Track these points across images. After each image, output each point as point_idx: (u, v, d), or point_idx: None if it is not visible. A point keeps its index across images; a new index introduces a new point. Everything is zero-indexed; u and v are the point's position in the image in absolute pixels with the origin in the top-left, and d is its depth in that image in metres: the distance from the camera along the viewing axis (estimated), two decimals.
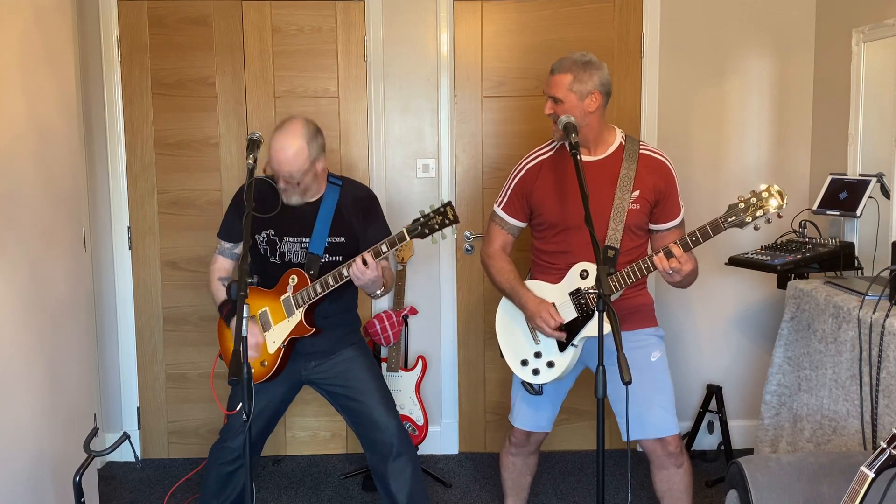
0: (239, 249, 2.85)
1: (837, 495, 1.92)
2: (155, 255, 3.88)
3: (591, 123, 2.58)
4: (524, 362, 2.66)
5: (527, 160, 2.71)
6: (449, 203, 2.56)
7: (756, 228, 2.33)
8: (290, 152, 2.58)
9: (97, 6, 3.71)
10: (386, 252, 2.59)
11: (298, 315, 2.68)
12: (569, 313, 2.56)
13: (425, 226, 2.56)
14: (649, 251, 2.72)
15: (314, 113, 3.78)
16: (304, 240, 2.73)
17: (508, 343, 2.71)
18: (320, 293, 2.65)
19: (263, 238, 2.74)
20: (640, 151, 2.63)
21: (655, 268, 2.42)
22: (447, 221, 2.55)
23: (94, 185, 3.81)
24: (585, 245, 2.50)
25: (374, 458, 2.80)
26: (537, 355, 2.63)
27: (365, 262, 2.55)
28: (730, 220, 2.33)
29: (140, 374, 3.94)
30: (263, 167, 2.67)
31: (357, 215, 2.78)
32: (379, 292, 2.71)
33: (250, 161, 2.47)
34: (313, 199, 2.75)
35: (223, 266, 2.85)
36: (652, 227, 2.68)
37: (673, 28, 3.77)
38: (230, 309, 2.71)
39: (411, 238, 2.57)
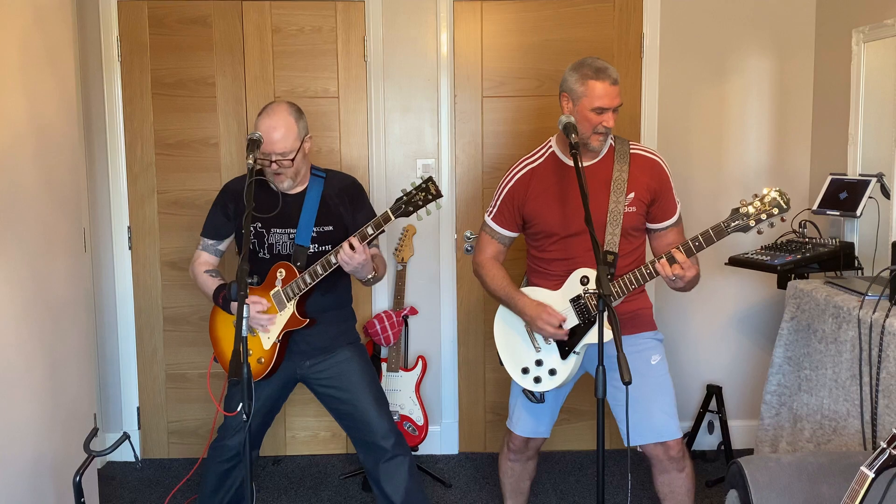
0: (222, 246, 2.87)
1: (837, 495, 1.92)
2: (155, 255, 3.88)
3: None
4: (525, 370, 2.63)
5: (516, 169, 2.68)
6: (430, 178, 2.55)
7: (759, 232, 2.32)
8: (280, 131, 2.60)
9: (97, 6, 3.72)
10: (372, 234, 2.58)
11: (290, 308, 2.68)
12: (570, 320, 2.55)
13: (409, 203, 2.56)
14: (647, 251, 2.72)
15: (314, 113, 3.79)
16: (290, 231, 2.73)
17: (508, 351, 2.69)
18: (310, 283, 2.64)
19: (251, 231, 2.73)
20: (632, 152, 2.61)
21: (658, 274, 2.41)
22: (430, 197, 2.55)
23: (94, 185, 3.81)
24: (586, 251, 2.48)
25: (367, 459, 2.80)
26: (538, 363, 2.61)
27: (352, 247, 2.55)
28: (733, 224, 2.31)
29: (140, 374, 3.94)
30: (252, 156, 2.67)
31: (344, 204, 2.78)
32: (370, 277, 2.71)
33: (250, 161, 2.47)
34: (298, 191, 2.76)
35: (207, 260, 2.85)
36: (650, 226, 2.66)
37: (673, 28, 3.77)
38: (225, 294, 2.72)
39: (396, 217, 2.56)
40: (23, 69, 2.49)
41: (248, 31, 3.77)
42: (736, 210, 2.32)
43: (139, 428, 3.97)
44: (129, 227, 3.86)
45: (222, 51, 3.77)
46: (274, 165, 2.64)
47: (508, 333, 2.69)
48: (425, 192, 2.55)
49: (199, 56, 3.77)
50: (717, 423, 3.81)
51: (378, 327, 3.65)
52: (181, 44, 3.77)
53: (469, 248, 3.90)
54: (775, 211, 2.28)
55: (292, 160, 2.64)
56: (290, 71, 3.80)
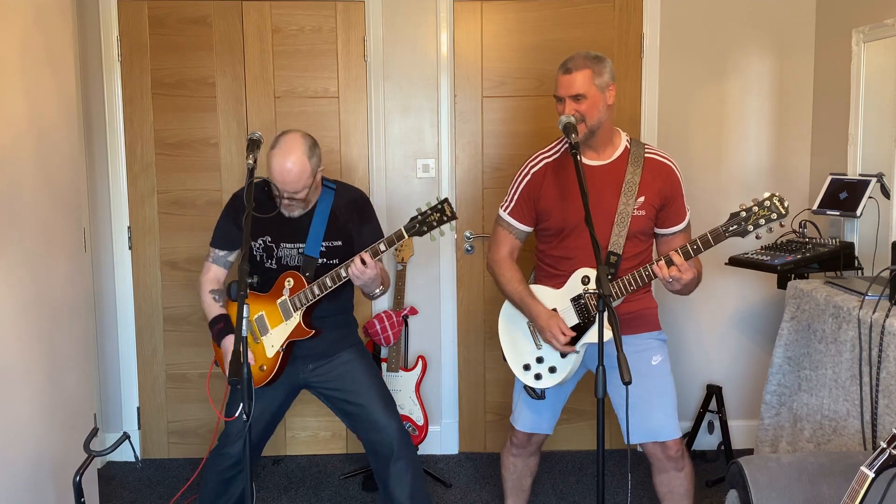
0: (233, 257, 2.84)
1: (837, 495, 1.92)
2: (155, 255, 3.88)
3: (607, 120, 2.56)
4: (526, 367, 2.65)
5: (531, 164, 2.68)
6: (446, 200, 2.57)
7: (758, 237, 2.32)
8: (294, 172, 2.56)
9: (97, 6, 3.72)
10: (384, 251, 2.59)
11: (297, 318, 2.68)
12: (570, 319, 2.55)
13: (423, 223, 2.57)
14: (654, 256, 2.71)
15: (314, 113, 3.79)
16: (300, 245, 2.73)
17: (511, 347, 2.70)
18: (318, 295, 2.65)
19: (260, 245, 2.73)
20: (646, 155, 2.61)
21: (656, 275, 2.41)
22: (445, 218, 2.56)
23: (94, 185, 3.81)
24: (587, 250, 2.48)
25: (375, 460, 2.80)
26: (539, 360, 2.62)
27: (364, 262, 2.55)
28: (731, 228, 2.31)
29: (140, 374, 3.94)
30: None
31: (353, 218, 2.78)
32: (377, 291, 2.71)
33: (250, 161, 2.46)
34: (309, 205, 2.75)
35: (215, 276, 2.82)
36: (657, 231, 2.67)
37: (673, 28, 3.77)
38: (222, 327, 2.71)
39: (410, 236, 2.57)
40: (23, 69, 2.49)
41: (248, 31, 3.77)
42: (735, 214, 2.32)
43: (139, 428, 3.97)
44: (129, 227, 3.86)
45: (222, 51, 3.77)
46: (285, 200, 2.64)
47: (512, 330, 2.70)
48: (440, 214, 2.55)
49: (199, 56, 3.77)
50: (717, 423, 3.80)
51: (378, 327, 3.65)
52: (181, 44, 3.77)
53: (469, 248, 3.90)
54: (774, 216, 2.28)
55: (304, 198, 2.64)
56: (290, 71, 3.80)
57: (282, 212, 2.70)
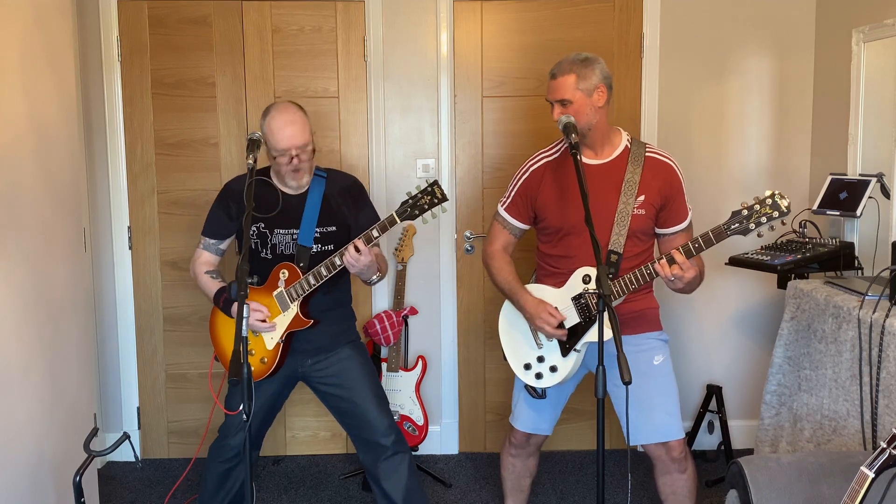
0: (223, 245, 2.87)
1: (837, 495, 1.92)
2: (155, 255, 3.88)
3: (600, 121, 2.56)
4: (527, 366, 2.65)
5: (531, 162, 2.69)
6: (435, 182, 2.57)
7: (759, 235, 2.32)
8: (298, 124, 2.62)
9: (97, 6, 3.71)
10: (377, 237, 2.59)
11: (294, 309, 2.69)
12: (571, 318, 2.55)
13: (414, 207, 2.57)
14: (656, 255, 2.71)
15: (314, 113, 3.77)
16: (294, 231, 2.73)
17: (511, 346, 2.70)
18: (314, 284, 2.65)
19: (254, 231, 2.74)
20: (647, 154, 2.61)
21: (658, 274, 2.41)
22: (436, 200, 2.56)
23: (94, 185, 3.81)
24: (587, 249, 2.48)
25: (367, 457, 2.81)
26: (540, 359, 2.62)
27: (357, 249, 2.55)
28: (733, 227, 2.31)
29: (140, 374, 3.94)
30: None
31: (347, 204, 2.79)
32: (374, 278, 2.72)
33: (250, 161, 2.47)
34: (301, 191, 2.76)
35: (208, 260, 2.84)
36: (659, 231, 2.67)
37: (673, 28, 3.77)
38: (226, 297, 2.72)
39: (402, 220, 2.57)
40: (23, 69, 2.49)
41: (248, 31, 3.77)
42: (736, 213, 2.32)
43: (139, 428, 3.97)
44: (129, 227, 3.86)
45: (222, 51, 3.77)
46: (294, 161, 2.64)
47: (512, 329, 2.70)
48: (431, 196, 2.55)
49: (199, 56, 3.77)
50: (717, 423, 3.81)
51: (378, 327, 3.65)
52: (181, 44, 3.77)
53: (469, 248, 3.90)
54: (775, 214, 2.28)
55: (312, 150, 2.67)
56: (290, 71, 3.80)
57: (288, 187, 2.71)
